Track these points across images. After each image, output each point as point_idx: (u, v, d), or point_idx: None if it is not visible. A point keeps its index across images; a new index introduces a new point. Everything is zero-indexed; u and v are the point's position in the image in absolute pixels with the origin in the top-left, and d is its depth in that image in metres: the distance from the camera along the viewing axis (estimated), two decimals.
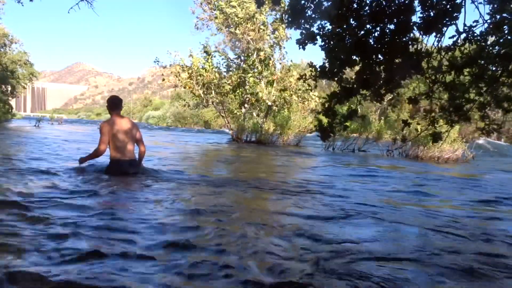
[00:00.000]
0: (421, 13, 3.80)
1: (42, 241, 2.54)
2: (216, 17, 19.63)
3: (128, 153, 5.58)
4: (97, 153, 5.51)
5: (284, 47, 20.69)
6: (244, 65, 19.98)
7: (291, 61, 21.66)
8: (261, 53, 19.86)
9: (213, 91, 20.88)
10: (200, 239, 2.85)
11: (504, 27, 3.54)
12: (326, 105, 4.03)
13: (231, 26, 20.00)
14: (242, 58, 20.89)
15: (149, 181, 5.38)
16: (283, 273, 2.27)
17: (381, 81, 3.94)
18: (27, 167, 6.04)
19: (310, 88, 16.44)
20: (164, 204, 4.05)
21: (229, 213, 3.86)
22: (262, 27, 19.70)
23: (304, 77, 4.16)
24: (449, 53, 4.02)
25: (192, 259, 2.38)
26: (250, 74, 19.79)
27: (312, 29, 3.97)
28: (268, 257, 2.56)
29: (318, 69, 3.97)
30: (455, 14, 3.77)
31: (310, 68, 4.01)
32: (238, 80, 20.41)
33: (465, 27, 3.88)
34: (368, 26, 3.82)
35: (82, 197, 4.04)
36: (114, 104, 5.67)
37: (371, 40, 3.84)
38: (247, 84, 20.16)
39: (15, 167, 6.11)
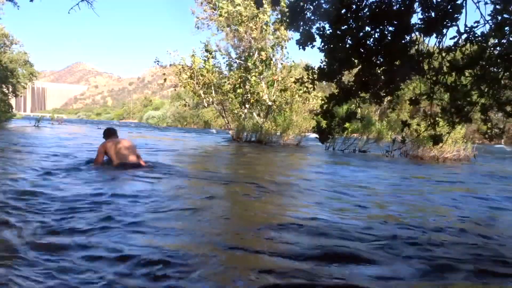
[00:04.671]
0: (421, 14, 3.75)
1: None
2: (220, 15, 19.48)
3: (130, 160, 6.10)
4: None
5: (285, 47, 20.62)
6: (248, 64, 19.85)
7: (293, 61, 21.58)
8: (263, 53, 19.79)
9: (213, 91, 20.83)
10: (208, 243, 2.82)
11: (506, 28, 3.49)
12: (325, 107, 3.99)
13: (232, 25, 19.92)
14: (243, 57, 20.81)
15: (148, 183, 5.35)
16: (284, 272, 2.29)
17: (381, 83, 3.89)
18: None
19: (307, 90, 16.38)
20: (164, 203, 4.04)
21: (226, 210, 3.82)
22: (264, 26, 19.62)
23: (301, 80, 4.12)
24: (450, 54, 3.97)
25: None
26: (253, 74, 19.70)
27: (311, 30, 3.92)
28: (271, 255, 2.58)
29: (316, 71, 3.92)
30: (456, 15, 3.72)
31: (307, 71, 3.96)
32: (239, 79, 20.34)
33: (466, 28, 3.83)
34: (367, 27, 3.76)
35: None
36: (110, 133, 6.38)
37: (370, 42, 3.79)
38: (248, 84, 20.09)
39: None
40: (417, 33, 3.85)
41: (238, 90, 20.45)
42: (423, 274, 2.40)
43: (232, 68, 21.63)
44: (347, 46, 3.82)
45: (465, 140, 14.92)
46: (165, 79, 21.69)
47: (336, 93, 3.98)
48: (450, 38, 3.95)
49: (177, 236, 2.94)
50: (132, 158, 6.08)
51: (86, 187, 4.63)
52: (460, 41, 3.89)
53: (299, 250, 2.69)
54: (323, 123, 4.11)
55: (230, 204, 4.51)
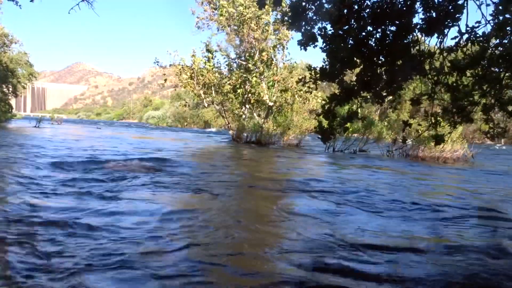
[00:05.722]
0: (423, 14, 3.75)
1: None
2: (221, 14, 19.41)
3: None
4: None
5: (287, 48, 20.56)
6: (249, 65, 19.79)
7: (295, 62, 21.55)
8: (263, 53, 19.74)
9: (213, 91, 20.81)
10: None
11: (507, 28, 3.50)
12: (326, 107, 3.99)
13: (232, 25, 19.85)
14: (243, 57, 20.75)
15: (148, 186, 5.35)
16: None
17: (382, 83, 3.90)
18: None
19: (310, 90, 16.43)
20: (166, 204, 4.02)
21: (229, 211, 3.83)
22: (266, 27, 19.57)
23: (303, 79, 4.12)
24: (451, 54, 3.97)
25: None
26: (253, 74, 19.64)
27: (313, 30, 3.92)
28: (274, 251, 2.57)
29: (318, 71, 3.93)
30: (457, 15, 3.73)
31: (309, 71, 3.96)
32: (239, 79, 20.30)
33: (468, 28, 3.83)
34: (369, 27, 3.77)
35: None
36: None
37: (372, 42, 3.80)
38: (248, 84, 20.05)
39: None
40: (418, 33, 3.85)
41: (238, 90, 20.42)
42: None
43: (232, 68, 21.59)
44: (349, 46, 3.83)
45: (465, 140, 14.94)
46: (165, 80, 21.65)
47: (338, 93, 3.99)
48: (452, 38, 3.96)
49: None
50: None
51: (85, 204, 4.10)
52: (461, 41, 3.89)
53: None
54: (325, 123, 4.12)
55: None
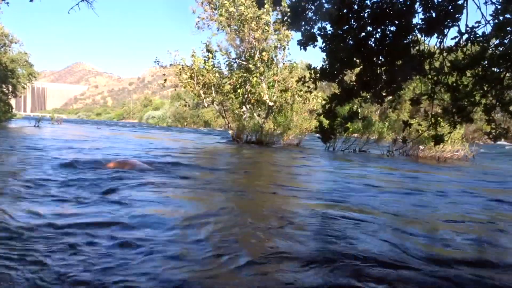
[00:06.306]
0: (422, 14, 3.75)
1: None
2: (221, 15, 19.40)
3: None
4: None
5: (288, 48, 20.54)
6: (249, 65, 19.76)
7: (295, 62, 21.55)
8: (264, 54, 19.72)
9: (213, 91, 20.82)
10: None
11: (508, 28, 3.49)
12: (327, 107, 4.00)
13: (233, 25, 19.84)
14: (243, 57, 20.73)
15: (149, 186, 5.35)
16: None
17: (382, 83, 3.90)
18: None
19: (310, 90, 16.44)
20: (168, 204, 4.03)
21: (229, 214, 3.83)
22: (266, 27, 19.57)
23: (303, 79, 4.13)
24: (451, 54, 3.97)
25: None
26: (254, 74, 19.63)
27: (312, 30, 3.93)
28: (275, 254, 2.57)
29: (318, 71, 3.93)
30: (457, 15, 3.73)
31: (309, 71, 3.97)
32: (240, 79, 20.29)
33: (467, 28, 3.83)
34: (369, 27, 3.77)
35: None
36: None
37: (372, 42, 3.80)
38: (248, 84, 20.05)
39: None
40: (418, 33, 3.85)
41: (239, 90, 20.42)
42: None
43: (232, 68, 21.59)
44: (349, 46, 3.83)
45: (464, 140, 14.98)
46: (165, 80, 21.64)
47: (338, 93, 3.99)
48: (451, 38, 3.96)
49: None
50: None
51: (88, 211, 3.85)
52: (461, 41, 3.89)
53: None
54: (326, 123, 4.12)
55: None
